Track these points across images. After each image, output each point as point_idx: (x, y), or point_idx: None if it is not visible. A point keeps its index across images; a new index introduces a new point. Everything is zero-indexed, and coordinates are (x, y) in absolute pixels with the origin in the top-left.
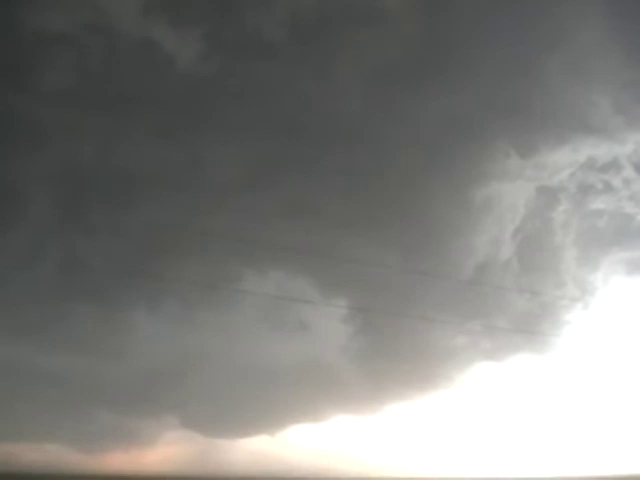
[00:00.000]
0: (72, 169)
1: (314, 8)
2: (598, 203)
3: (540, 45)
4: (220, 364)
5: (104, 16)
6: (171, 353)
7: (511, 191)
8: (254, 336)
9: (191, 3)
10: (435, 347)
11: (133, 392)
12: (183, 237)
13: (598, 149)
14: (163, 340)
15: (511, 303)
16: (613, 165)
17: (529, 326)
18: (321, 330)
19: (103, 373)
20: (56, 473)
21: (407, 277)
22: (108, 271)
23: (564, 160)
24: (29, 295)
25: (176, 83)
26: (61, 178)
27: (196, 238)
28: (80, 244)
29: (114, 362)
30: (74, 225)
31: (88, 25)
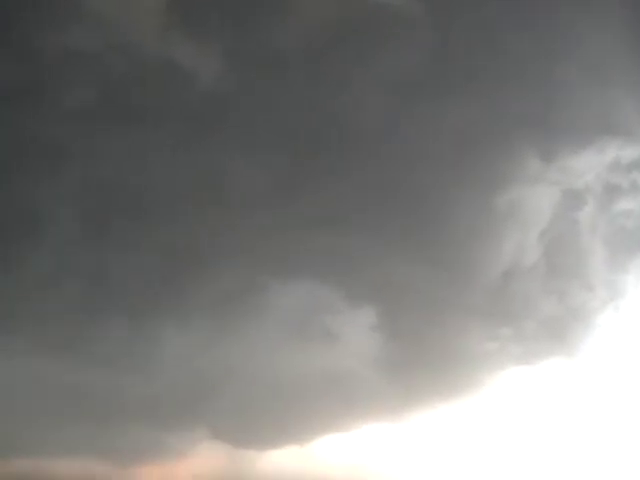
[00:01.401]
0: (95, 187)
1: (331, 22)
2: (625, 203)
3: (560, 48)
4: (249, 376)
5: (124, 34)
6: (200, 366)
7: (535, 195)
8: (281, 347)
9: (210, 20)
10: (465, 354)
11: (164, 405)
12: (208, 251)
13: (623, 150)
14: (192, 353)
15: (539, 308)
16: (639, 164)
17: (558, 330)
18: (349, 339)
19: (133, 387)
20: None
21: (436, 285)
22: (136, 286)
23: (589, 162)
24: (57, 313)
25: (196, 100)
26: (84, 196)
27: (222, 252)
28: (106, 261)
29: (144, 376)
30: (100, 242)
31: (107, 43)
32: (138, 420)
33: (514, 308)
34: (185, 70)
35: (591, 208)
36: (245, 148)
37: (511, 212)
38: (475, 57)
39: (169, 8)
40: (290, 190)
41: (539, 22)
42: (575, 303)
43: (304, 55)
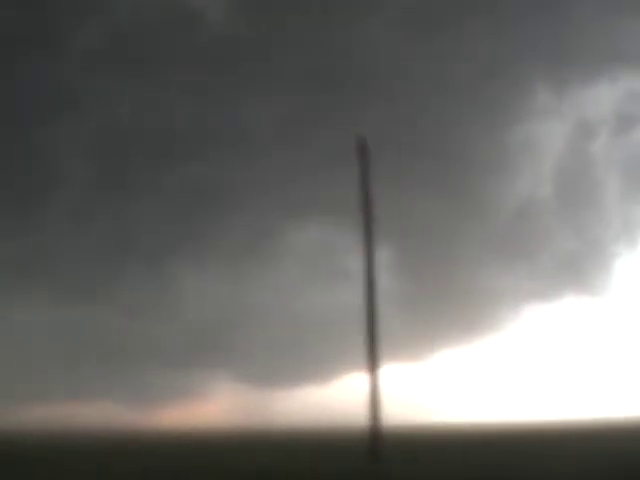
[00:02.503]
0: (110, 132)
1: None
2: (639, 133)
3: None
4: (268, 317)
5: None
6: (220, 308)
7: (548, 128)
8: (301, 287)
9: None
10: (482, 289)
11: (185, 348)
12: (224, 193)
13: (637, 79)
14: (212, 296)
15: (555, 242)
16: None
17: (575, 264)
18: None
19: (154, 330)
20: (114, 430)
21: (450, 221)
22: (154, 232)
23: (601, 93)
24: (79, 261)
25: (206, 41)
26: (101, 142)
27: (237, 194)
28: (124, 207)
29: (165, 320)
30: (117, 189)
31: None
32: (159, 363)
33: (529, 242)
34: (192, 11)
35: (605, 139)
36: (258, 88)
37: (524, 146)
38: None
39: None
40: (304, 128)
41: None
42: (590, 235)
43: None
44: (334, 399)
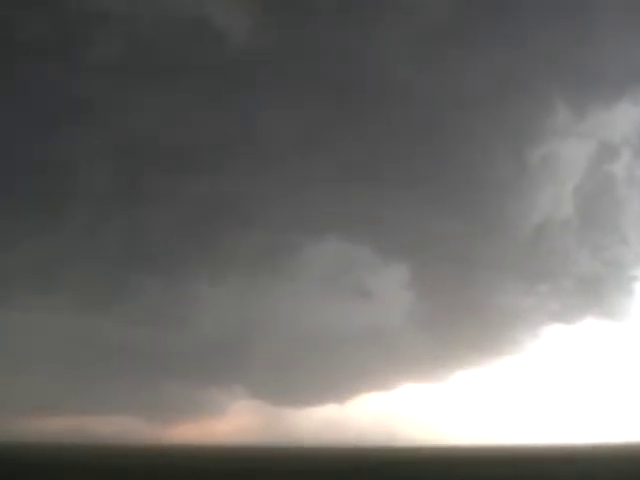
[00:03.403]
0: (128, 141)
1: None
2: None
3: None
4: (285, 332)
5: None
6: (235, 322)
7: (570, 148)
8: (317, 303)
9: None
10: (501, 310)
11: (200, 362)
12: (241, 205)
13: None
14: (227, 309)
15: (575, 262)
16: None
17: (595, 286)
18: (384, 296)
19: (170, 343)
20: (129, 444)
21: (468, 240)
22: (169, 242)
23: (624, 113)
24: (94, 270)
25: (228, 55)
26: (117, 150)
27: (254, 205)
28: (141, 216)
29: (180, 332)
30: (134, 197)
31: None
32: (175, 378)
33: (549, 263)
34: (216, 26)
35: (627, 160)
36: (277, 101)
37: (545, 166)
38: (505, 7)
39: None
40: (322, 141)
41: None
42: (610, 257)
43: (334, 6)
44: (351, 418)
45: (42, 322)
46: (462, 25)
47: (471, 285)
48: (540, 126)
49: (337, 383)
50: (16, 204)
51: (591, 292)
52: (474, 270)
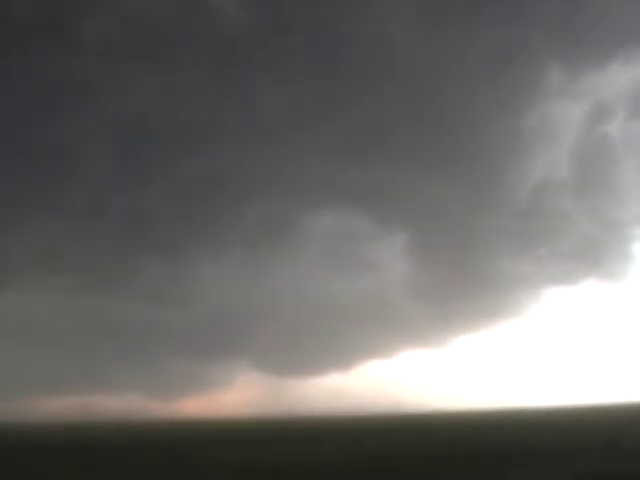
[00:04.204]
0: (125, 120)
1: None
2: None
3: None
4: (287, 305)
5: None
6: (238, 297)
7: (564, 109)
8: (318, 274)
9: None
10: (502, 274)
11: (204, 338)
12: (240, 182)
13: None
14: (229, 285)
15: (573, 225)
16: None
17: (594, 248)
18: (384, 265)
19: (173, 322)
20: (136, 421)
21: (466, 205)
22: (169, 221)
23: (617, 73)
24: (96, 252)
25: (221, 32)
26: (116, 130)
27: (253, 182)
28: (140, 196)
29: (184, 310)
30: (133, 177)
31: None
32: (180, 354)
33: (548, 226)
34: (210, 2)
35: (621, 120)
36: (274, 76)
37: (540, 129)
38: None
39: None
40: (322, 116)
41: None
42: (608, 218)
43: None
44: (355, 386)
45: (46, 304)
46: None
47: (471, 251)
48: (535, 89)
49: (340, 352)
50: (18, 188)
51: (590, 254)
52: (473, 236)
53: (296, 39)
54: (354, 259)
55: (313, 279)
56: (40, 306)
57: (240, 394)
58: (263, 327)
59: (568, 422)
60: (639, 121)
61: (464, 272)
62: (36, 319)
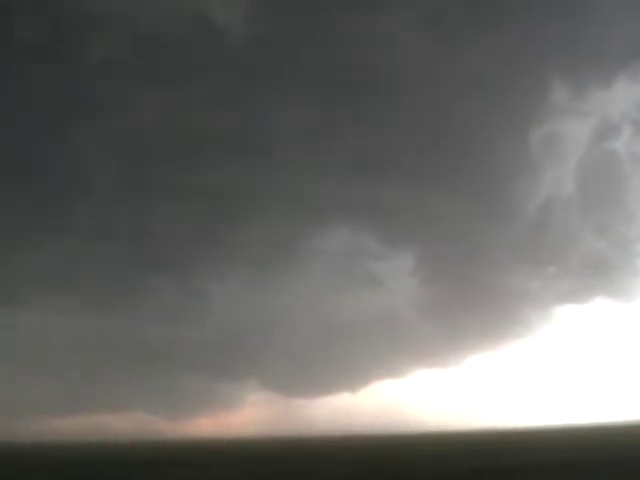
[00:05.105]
0: (133, 138)
1: None
2: None
3: None
4: (296, 324)
5: None
6: (247, 314)
7: (571, 126)
8: (326, 293)
9: None
10: (510, 293)
11: (214, 357)
12: (249, 199)
13: None
14: (238, 303)
15: (581, 242)
16: None
17: (602, 264)
18: (392, 283)
19: (183, 340)
20: (146, 440)
21: (474, 223)
22: (177, 240)
23: (623, 89)
24: (105, 271)
25: (229, 49)
26: (123, 147)
27: (262, 199)
28: (151, 214)
29: (193, 329)
30: (142, 195)
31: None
32: (189, 373)
33: (555, 244)
34: (214, 20)
35: (628, 137)
36: (281, 93)
37: (546, 145)
38: None
39: None
40: (327, 133)
41: None
42: (616, 235)
43: None
44: (364, 406)
45: (57, 322)
46: (465, 14)
47: (479, 269)
48: (541, 106)
49: (350, 372)
50: (24, 205)
51: (599, 271)
52: (481, 254)
53: (301, 55)
54: (362, 278)
55: (322, 298)
56: (49, 325)
57: (250, 414)
58: (273, 347)
59: (579, 440)
60: None
61: (473, 291)
62: (45, 338)
